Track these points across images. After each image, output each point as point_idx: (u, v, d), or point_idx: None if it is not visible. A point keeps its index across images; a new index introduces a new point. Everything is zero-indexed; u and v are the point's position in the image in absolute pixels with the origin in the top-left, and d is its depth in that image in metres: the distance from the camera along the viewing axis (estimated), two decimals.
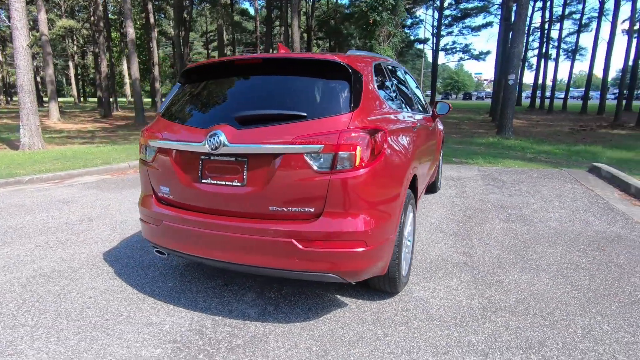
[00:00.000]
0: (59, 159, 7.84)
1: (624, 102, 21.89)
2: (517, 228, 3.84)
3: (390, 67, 3.17)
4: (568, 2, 30.06)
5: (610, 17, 23.85)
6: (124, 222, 4.13)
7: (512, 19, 20.26)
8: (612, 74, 30.74)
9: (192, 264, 3.11)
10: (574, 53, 31.58)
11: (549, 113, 27.82)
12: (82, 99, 47.68)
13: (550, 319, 2.35)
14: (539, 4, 30.90)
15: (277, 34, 34.82)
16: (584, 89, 30.51)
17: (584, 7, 29.14)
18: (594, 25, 29.26)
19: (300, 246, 1.98)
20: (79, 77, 48.30)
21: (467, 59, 35.25)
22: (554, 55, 32.92)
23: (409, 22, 31.27)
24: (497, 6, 29.91)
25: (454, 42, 35.19)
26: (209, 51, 47.37)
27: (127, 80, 39.30)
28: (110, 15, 30.96)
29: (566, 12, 30.82)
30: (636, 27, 22.53)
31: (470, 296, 2.61)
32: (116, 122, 20.30)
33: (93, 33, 26.97)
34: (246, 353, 2.06)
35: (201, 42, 48.98)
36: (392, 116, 2.49)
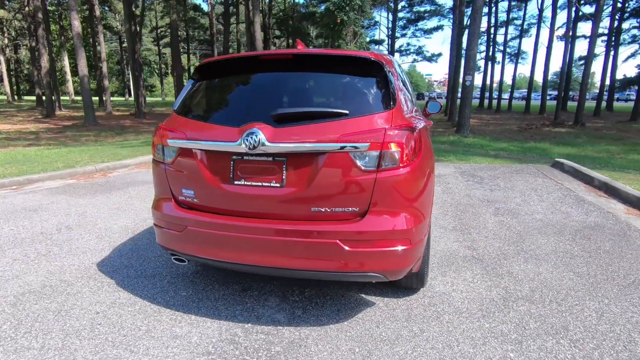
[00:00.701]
0: (11, 162, 7.13)
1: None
2: (508, 221, 4.05)
3: (399, 66, 3.21)
4: (511, 8, 32.13)
5: (549, 24, 25.83)
6: (110, 230, 3.83)
7: (465, 22, 21.36)
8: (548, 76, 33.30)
9: (201, 271, 2.96)
10: (516, 56, 33.87)
11: (497, 112, 29.64)
12: (16, 97, 43.60)
13: (565, 304, 2.50)
14: (485, 9, 32.77)
15: (234, 31, 34.04)
16: (525, 91, 32.71)
17: (525, 14, 31.40)
18: (534, 31, 31.53)
19: (345, 247, 1.94)
20: (12, 73, 44.20)
21: (420, 60, 36.63)
22: (498, 58, 35.08)
23: (365, 23, 31.88)
24: (448, 9, 31.33)
25: (408, 44, 36.41)
26: (160, 47, 45.35)
27: (69, 77, 36.52)
28: (47, 7, 28.52)
29: (510, 18, 32.95)
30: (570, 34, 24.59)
31: (488, 288, 2.70)
32: (61, 122, 18.83)
33: (29, 25, 24.79)
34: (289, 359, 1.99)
35: (151, 37, 46.74)
36: (416, 114, 2.52)
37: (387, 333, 2.21)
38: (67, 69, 35.61)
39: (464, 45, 22.37)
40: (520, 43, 33.27)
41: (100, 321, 2.32)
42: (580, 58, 33.95)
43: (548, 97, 31.17)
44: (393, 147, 1.92)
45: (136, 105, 22.01)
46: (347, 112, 1.98)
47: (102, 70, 25.98)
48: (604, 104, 27.71)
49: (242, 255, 2.10)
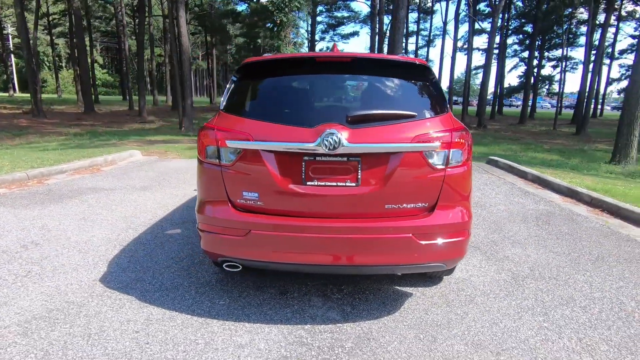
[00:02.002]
0: None
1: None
2: (481, 212, 4.55)
3: None
4: (420, 19, 35.13)
5: (452, 36, 28.82)
6: (90, 243, 3.41)
7: (384, 29, 22.81)
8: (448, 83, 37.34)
9: (226, 278, 2.83)
10: None
11: None
12: None
13: (561, 279, 2.94)
14: None
15: (146, 24, 31.52)
16: None
17: (431, 26, 34.59)
18: (439, 42, 34.87)
19: (420, 241, 2.07)
20: None
21: None
22: None
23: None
24: (365, 16, 33.05)
25: (327, 48, 37.51)
26: (53, 37, 39.96)
27: None
28: None
29: (420, 28, 36.00)
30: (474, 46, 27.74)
31: (497, 271, 3.06)
32: None
33: None
34: (367, 353, 2.06)
35: (40, 25, 40.82)
36: None
37: (438, 318, 2.39)
38: None
39: (384, 51, 23.86)
40: (428, 52, 36.62)
41: (146, 340, 2.12)
42: (476, 67, 38.59)
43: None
44: (458, 147, 2.12)
45: (34, 102, 19.11)
46: (415, 114, 2.11)
47: None
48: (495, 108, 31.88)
49: (314, 256, 2.10)
